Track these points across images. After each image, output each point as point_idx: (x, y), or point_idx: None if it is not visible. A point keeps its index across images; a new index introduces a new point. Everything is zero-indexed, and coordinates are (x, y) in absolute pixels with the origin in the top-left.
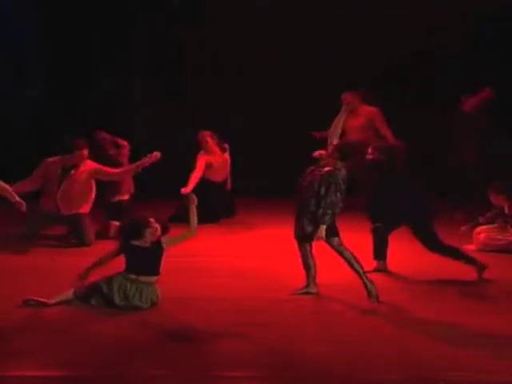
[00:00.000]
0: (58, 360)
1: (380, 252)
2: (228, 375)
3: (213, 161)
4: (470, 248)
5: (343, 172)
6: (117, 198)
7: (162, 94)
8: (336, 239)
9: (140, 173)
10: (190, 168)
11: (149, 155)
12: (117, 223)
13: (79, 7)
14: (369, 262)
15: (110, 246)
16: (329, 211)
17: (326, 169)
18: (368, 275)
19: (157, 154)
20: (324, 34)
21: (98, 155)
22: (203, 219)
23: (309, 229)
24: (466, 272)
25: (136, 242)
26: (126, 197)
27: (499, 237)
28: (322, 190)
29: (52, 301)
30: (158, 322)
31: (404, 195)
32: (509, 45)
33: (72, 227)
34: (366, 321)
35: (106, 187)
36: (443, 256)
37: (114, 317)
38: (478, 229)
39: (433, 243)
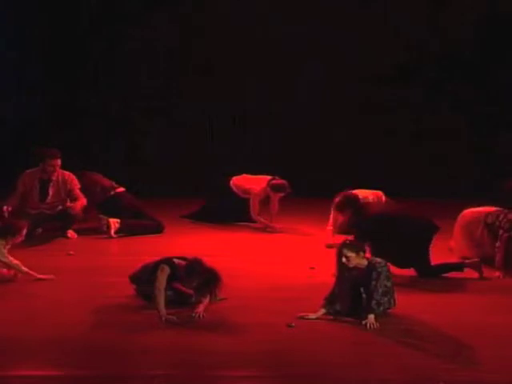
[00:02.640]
0: (58, 360)
1: None
2: (228, 375)
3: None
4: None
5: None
6: (111, 193)
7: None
8: None
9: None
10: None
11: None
12: (116, 220)
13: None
14: None
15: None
16: None
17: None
18: None
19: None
20: (325, 33)
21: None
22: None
23: None
24: (467, 271)
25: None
26: (121, 189)
27: None
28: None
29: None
30: (156, 322)
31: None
32: (509, 45)
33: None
34: None
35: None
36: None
37: (113, 317)
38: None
39: (424, 272)
